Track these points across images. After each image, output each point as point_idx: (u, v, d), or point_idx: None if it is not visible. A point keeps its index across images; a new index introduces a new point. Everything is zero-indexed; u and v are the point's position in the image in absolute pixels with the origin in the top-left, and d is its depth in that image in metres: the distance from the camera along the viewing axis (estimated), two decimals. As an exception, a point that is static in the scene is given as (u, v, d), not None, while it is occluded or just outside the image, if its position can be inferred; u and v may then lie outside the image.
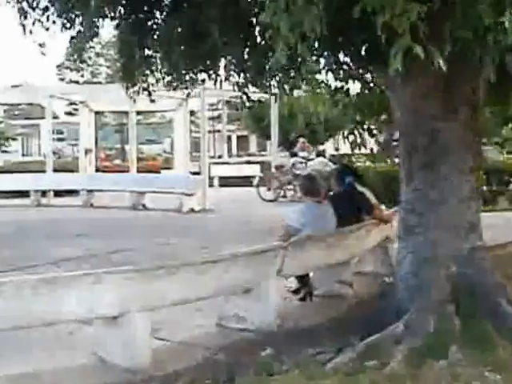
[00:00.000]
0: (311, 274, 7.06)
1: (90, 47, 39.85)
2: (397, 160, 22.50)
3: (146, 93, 8.63)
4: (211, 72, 7.38)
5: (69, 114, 35.60)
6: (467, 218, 5.49)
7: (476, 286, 5.39)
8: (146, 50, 7.96)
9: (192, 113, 32.28)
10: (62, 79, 39.35)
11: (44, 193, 18.03)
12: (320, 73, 5.67)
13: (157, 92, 10.66)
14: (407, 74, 5.39)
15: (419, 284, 5.46)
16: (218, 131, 39.85)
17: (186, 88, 8.13)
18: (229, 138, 43.35)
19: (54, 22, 6.85)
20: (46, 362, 5.08)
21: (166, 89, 8.12)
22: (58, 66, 39.68)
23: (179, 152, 23.61)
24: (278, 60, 3.57)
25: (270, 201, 18.46)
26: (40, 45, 7.00)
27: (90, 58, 39.98)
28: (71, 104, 31.81)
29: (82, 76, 39.42)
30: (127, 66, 7.95)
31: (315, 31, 3.45)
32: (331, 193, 7.44)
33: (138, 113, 33.47)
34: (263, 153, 35.66)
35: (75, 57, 8.72)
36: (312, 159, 19.72)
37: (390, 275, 7.98)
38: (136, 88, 8.42)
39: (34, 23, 6.63)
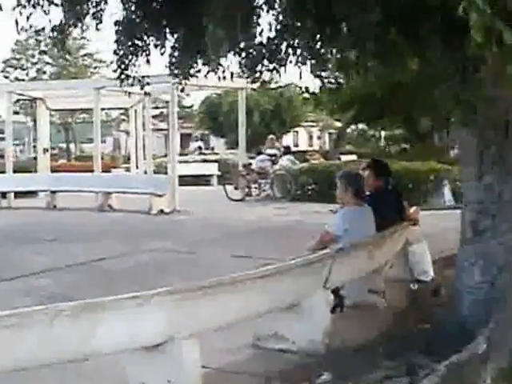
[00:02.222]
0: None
1: (36, 45, 38.30)
2: (344, 157, 22.15)
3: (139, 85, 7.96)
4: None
5: (14, 112, 33.87)
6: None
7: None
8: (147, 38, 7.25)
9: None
10: (6, 77, 37.61)
11: (4, 194, 16.73)
12: None
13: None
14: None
15: (495, 294, 4.77)
16: (160, 130, 38.85)
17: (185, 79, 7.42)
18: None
19: None
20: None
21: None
22: (4, 62, 37.86)
23: (134, 150, 22.60)
24: (475, 40, 2.79)
25: (238, 200, 17.64)
26: None
27: (33, 55, 38.43)
28: (17, 101, 30.18)
29: (27, 75, 37.72)
30: (125, 57, 7.20)
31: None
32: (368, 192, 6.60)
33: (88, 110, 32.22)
34: (216, 151, 34.83)
35: (56, 49, 7.79)
36: (276, 155, 19.04)
37: (412, 281, 7.37)
38: (130, 80, 7.73)
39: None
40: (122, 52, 6.88)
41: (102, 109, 31.94)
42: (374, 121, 19.41)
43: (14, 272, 8.10)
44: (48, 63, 38.70)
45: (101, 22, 7.48)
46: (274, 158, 18.45)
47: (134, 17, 6.84)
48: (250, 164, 18.50)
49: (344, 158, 29.75)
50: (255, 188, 18.38)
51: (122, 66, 6.61)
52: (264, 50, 6.21)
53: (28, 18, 6.70)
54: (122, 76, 6.61)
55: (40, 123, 19.24)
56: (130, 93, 7.21)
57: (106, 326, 3.76)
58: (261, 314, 4.82)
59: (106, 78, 16.96)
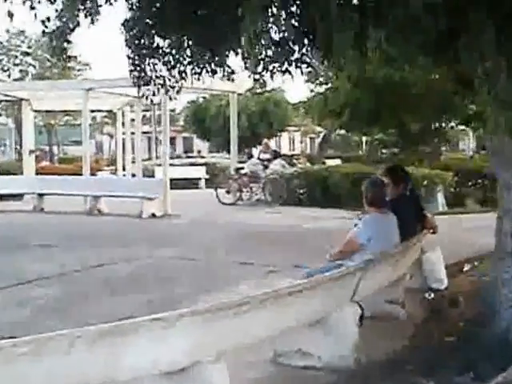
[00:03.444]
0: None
1: (17, 46, 37.47)
2: (329, 161, 22.02)
3: (162, 91, 7.70)
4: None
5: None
6: None
7: None
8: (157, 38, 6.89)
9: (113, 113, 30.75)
10: (-12, 79, 36.74)
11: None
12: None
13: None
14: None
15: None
16: (143, 132, 38.37)
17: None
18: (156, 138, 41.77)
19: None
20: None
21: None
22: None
23: (121, 153, 22.20)
24: None
25: (230, 204, 17.19)
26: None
27: (16, 56, 37.61)
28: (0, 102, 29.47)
29: (9, 76, 36.90)
30: (136, 59, 6.82)
31: None
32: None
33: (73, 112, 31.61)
34: (203, 154, 34.40)
35: (56, 55, 7.42)
36: (269, 160, 18.64)
37: (426, 290, 7.00)
38: (151, 86, 7.42)
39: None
40: (135, 51, 6.51)
41: (100, 110, 31.56)
42: (365, 126, 19.09)
43: (7, 280, 7.56)
44: (31, 65, 37.90)
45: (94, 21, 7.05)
46: (266, 162, 18.03)
47: (144, 15, 6.45)
48: (242, 168, 18.08)
49: (329, 162, 29.49)
50: (246, 192, 17.94)
51: (137, 66, 6.22)
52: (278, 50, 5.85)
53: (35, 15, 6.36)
54: (135, 74, 6.19)
55: (25, 124, 18.57)
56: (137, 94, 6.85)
57: (128, 350, 3.33)
58: (289, 330, 4.40)
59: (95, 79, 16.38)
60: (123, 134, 22.01)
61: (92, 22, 7.36)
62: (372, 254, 5.05)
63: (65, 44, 7.11)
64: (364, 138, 40.52)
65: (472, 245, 9.42)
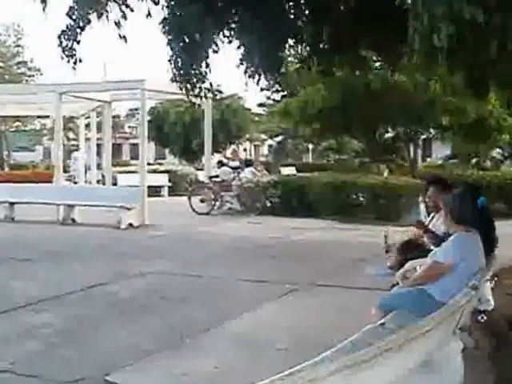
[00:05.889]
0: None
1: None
2: (284, 169, 21.54)
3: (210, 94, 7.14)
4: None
5: None
6: None
7: None
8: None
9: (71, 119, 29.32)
10: None
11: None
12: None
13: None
14: None
15: None
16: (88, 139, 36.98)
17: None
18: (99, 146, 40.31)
19: None
20: None
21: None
22: None
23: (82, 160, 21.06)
24: None
25: (204, 213, 16.15)
26: None
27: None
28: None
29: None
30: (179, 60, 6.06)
31: None
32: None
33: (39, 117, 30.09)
34: (160, 161, 33.14)
35: (66, 56, 6.60)
36: (239, 167, 17.73)
37: (474, 312, 6.24)
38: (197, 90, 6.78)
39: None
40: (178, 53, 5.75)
41: (39, 116, 30.06)
42: (337, 133, 18.47)
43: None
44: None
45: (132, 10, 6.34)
46: (239, 169, 17.13)
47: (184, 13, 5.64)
48: (217, 176, 17.09)
49: (284, 170, 28.69)
50: (220, 201, 16.96)
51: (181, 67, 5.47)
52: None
53: None
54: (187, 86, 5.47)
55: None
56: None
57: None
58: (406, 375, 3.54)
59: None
60: (88, 139, 20.84)
61: (99, 17, 6.49)
62: (475, 280, 4.23)
63: (75, 44, 6.35)
64: (310, 146, 40.22)
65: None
